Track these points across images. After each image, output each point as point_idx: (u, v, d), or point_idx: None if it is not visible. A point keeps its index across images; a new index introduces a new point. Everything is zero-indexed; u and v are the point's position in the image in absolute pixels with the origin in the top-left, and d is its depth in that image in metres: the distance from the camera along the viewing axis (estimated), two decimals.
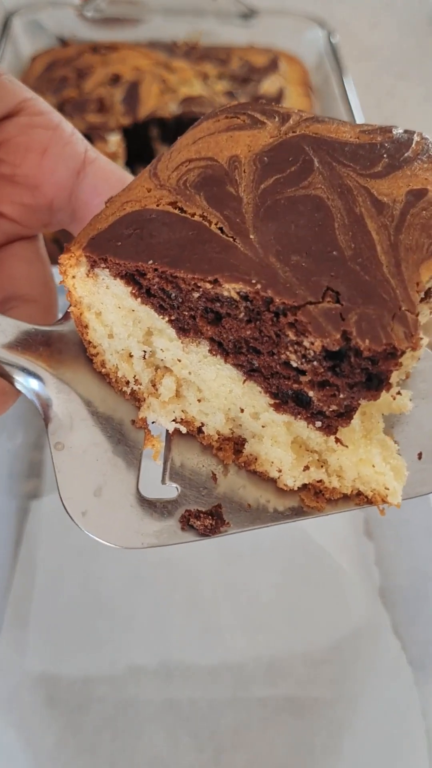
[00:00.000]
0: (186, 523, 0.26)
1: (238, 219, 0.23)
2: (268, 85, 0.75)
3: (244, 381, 0.25)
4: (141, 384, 0.28)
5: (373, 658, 0.47)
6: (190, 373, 0.26)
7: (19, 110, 0.25)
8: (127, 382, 0.28)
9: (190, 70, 0.74)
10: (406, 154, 0.25)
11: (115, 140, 0.65)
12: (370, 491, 0.26)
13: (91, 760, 0.41)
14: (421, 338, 0.26)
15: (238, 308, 0.22)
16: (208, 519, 0.25)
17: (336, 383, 0.22)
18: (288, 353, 0.22)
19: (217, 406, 0.27)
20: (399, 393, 0.27)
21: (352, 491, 0.27)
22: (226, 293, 0.22)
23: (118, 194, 0.26)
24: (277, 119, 0.27)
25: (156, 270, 0.22)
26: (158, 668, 0.45)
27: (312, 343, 0.21)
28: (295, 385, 0.23)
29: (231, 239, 0.22)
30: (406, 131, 0.27)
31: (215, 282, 0.22)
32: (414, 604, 0.47)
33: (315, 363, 0.22)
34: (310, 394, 0.23)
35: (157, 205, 0.24)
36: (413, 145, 0.26)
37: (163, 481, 0.26)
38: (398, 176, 0.25)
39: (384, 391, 0.22)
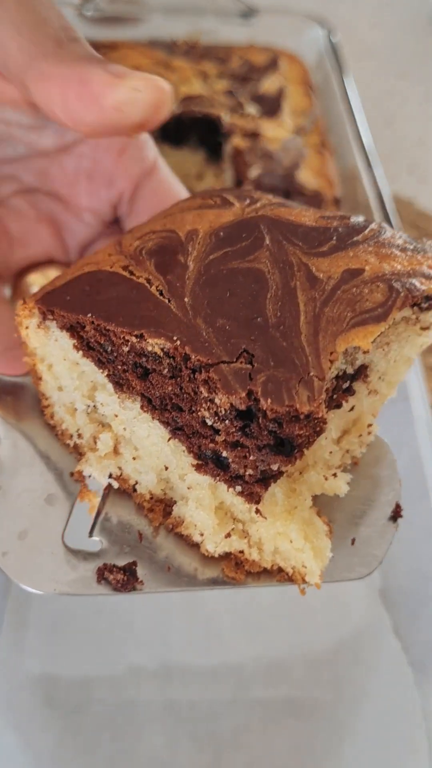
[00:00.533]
0: (101, 576, 0.27)
1: (178, 283, 0.25)
2: (269, 84, 0.75)
3: (169, 439, 0.26)
4: (83, 438, 0.29)
5: (374, 659, 0.46)
6: (125, 429, 0.27)
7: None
8: (71, 436, 0.29)
9: (190, 69, 0.74)
10: (355, 238, 0.27)
11: None
12: (290, 568, 0.27)
13: (90, 761, 0.41)
14: (370, 425, 0.28)
15: (161, 364, 0.24)
16: (120, 574, 0.27)
17: (246, 444, 0.23)
18: (203, 410, 0.24)
19: (150, 465, 0.28)
20: (335, 475, 0.27)
21: (272, 566, 0.28)
22: (150, 348, 0.24)
23: (87, 256, 0.28)
24: (247, 201, 0.29)
25: (92, 323, 0.24)
26: (158, 669, 0.45)
27: (221, 400, 0.22)
28: (212, 445, 0.24)
29: (166, 300, 0.24)
30: (365, 220, 0.28)
31: (141, 336, 0.23)
32: (414, 605, 0.47)
33: (227, 422, 0.23)
34: (224, 454, 0.24)
35: (111, 267, 0.26)
36: (365, 231, 0.27)
37: (90, 534, 0.28)
38: (340, 256, 0.26)
39: (296, 460, 0.23)
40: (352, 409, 0.28)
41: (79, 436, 0.29)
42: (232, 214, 0.28)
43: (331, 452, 0.28)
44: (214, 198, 0.29)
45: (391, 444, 0.50)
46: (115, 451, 0.28)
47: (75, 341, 0.26)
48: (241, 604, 0.44)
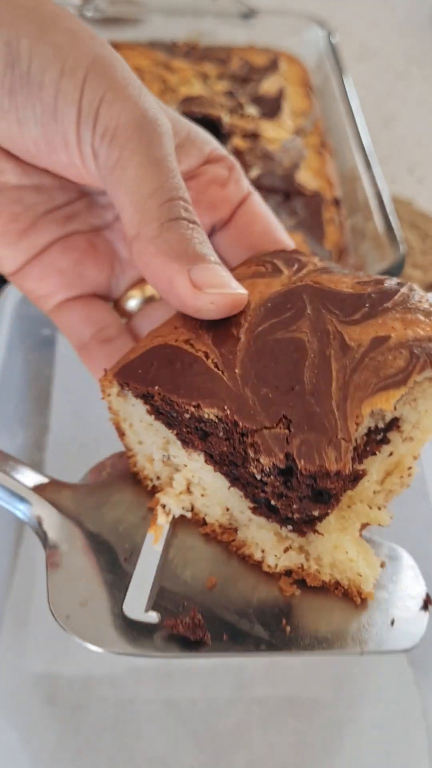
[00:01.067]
0: (165, 639, 0.29)
1: (231, 356, 0.28)
2: (269, 85, 0.75)
3: (229, 487, 0.30)
4: (161, 479, 0.34)
5: (374, 658, 0.47)
6: (193, 476, 0.32)
7: (210, 160, 0.33)
8: (150, 479, 0.34)
9: (190, 70, 0.74)
10: (386, 305, 0.30)
11: None
12: (346, 580, 0.30)
13: (91, 759, 0.41)
14: (410, 467, 0.31)
15: (217, 428, 0.28)
16: (184, 636, 0.29)
17: (289, 495, 0.27)
18: (252, 467, 0.27)
19: (216, 501, 0.32)
20: (379, 508, 0.31)
21: (330, 579, 0.31)
22: (206, 416, 0.27)
23: (156, 327, 0.32)
24: (295, 266, 0.32)
25: (159, 394, 0.28)
26: (158, 668, 0.45)
27: (264, 461, 0.26)
28: (263, 494, 0.28)
29: (220, 372, 0.28)
30: (398, 283, 0.31)
31: (198, 406, 0.27)
32: None
33: (271, 477, 0.27)
34: (272, 502, 0.28)
35: (175, 342, 0.29)
36: (396, 296, 0.30)
37: (146, 609, 0.30)
38: (370, 324, 0.29)
39: (333, 506, 0.27)
40: (391, 454, 0.31)
41: (158, 478, 0.34)
42: (280, 283, 0.31)
43: (375, 492, 0.32)
44: (266, 264, 0.32)
45: None
46: (188, 489, 0.33)
47: (147, 407, 0.31)
48: None
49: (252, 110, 0.71)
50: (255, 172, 0.65)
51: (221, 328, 0.29)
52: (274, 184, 0.65)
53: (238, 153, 0.67)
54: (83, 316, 0.34)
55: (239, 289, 0.28)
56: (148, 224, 0.27)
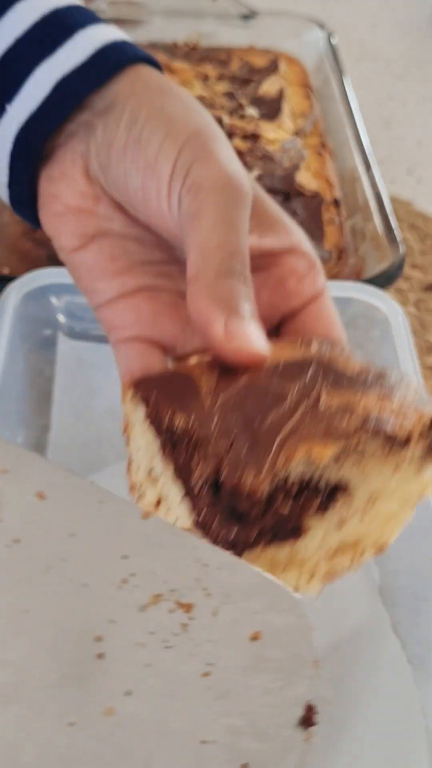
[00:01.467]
0: None
1: (222, 392, 0.31)
2: (269, 86, 0.75)
3: (181, 498, 0.31)
4: (142, 492, 0.35)
5: (373, 657, 0.47)
6: (163, 490, 0.33)
7: (292, 250, 0.36)
8: (137, 491, 0.36)
9: (191, 71, 0.74)
10: (368, 381, 0.32)
11: None
12: None
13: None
14: (363, 554, 0.32)
15: (182, 438, 0.30)
16: None
17: (214, 510, 0.29)
18: (193, 479, 0.29)
19: (177, 514, 0.33)
20: (312, 579, 0.32)
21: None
22: (176, 423, 0.30)
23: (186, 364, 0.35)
24: (324, 346, 0.35)
25: (154, 399, 0.32)
26: None
27: (198, 470, 0.29)
28: (197, 509, 0.30)
29: (205, 400, 0.31)
30: (397, 372, 0.33)
31: (172, 413, 0.30)
32: (414, 602, 0.47)
33: (204, 489, 0.29)
34: (200, 517, 0.30)
35: (191, 371, 0.33)
36: (385, 379, 0.32)
37: None
38: (349, 393, 0.31)
39: (249, 534, 0.29)
40: (342, 525, 0.32)
41: (140, 487, 0.35)
42: (301, 353, 0.34)
43: (317, 563, 0.32)
44: (302, 342, 0.36)
45: None
46: (157, 503, 0.34)
47: (145, 411, 0.33)
48: None
49: (252, 111, 0.72)
50: (255, 173, 0.65)
51: (230, 372, 0.32)
52: (274, 184, 0.65)
53: (238, 154, 0.67)
54: (141, 352, 0.37)
55: (261, 349, 0.31)
56: (207, 272, 0.30)
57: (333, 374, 0.32)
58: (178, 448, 0.30)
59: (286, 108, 0.73)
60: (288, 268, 0.36)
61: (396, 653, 0.46)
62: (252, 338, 0.31)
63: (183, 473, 0.31)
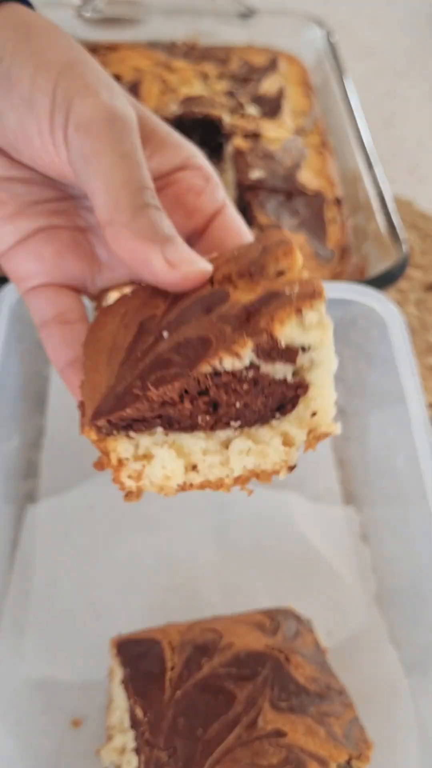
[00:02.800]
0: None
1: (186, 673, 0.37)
2: (268, 85, 0.75)
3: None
4: (113, 736, 0.41)
5: (369, 664, 0.46)
6: (128, 757, 0.38)
7: (185, 166, 0.36)
8: (109, 729, 0.42)
9: (190, 70, 0.73)
10: (309, 697, 0.37)
11: None
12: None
13: (90, 766, 0.41)
14: None
15: (138, 725, 0.36)
16: None
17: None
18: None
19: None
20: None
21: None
22: (135, 713, 0.36)
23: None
24: (289, 635, 0.40)
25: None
26: None
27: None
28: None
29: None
30: (340, 695, 0.39)
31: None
32: (411, 609, 0.46)
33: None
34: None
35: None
36: (324, 699, 0.37)
37: None
38: (286, 716, 0.35)
39: None
40: None
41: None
42: (263, 644, 0.38)
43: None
44: (274, 619, 0.40)
45: (388, 445, 0.50)
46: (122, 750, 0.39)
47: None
48: (240, 609, 0.43)
49: (252, 110, 0.71)
50: (257, 173, 0.65)
51: (197, 651, 0.37)
52: (276, 184, 0.64)
53: (239, 153, 0.66)
54: (51, 299, 0.36)
55: (206, 266, 0.31)
56: (122, 211, 0.30)
57: (283, 679, 0.36)
58: (136, 729, 0.35)
59: (287, 106, 0.73)
60: (184, 185, 0.36)
61: (391, 660, 0.45)
62: (193, 258, 0.30)
63: (136, 752, 0.35)
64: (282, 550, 0.50)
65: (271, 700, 0.35)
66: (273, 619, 0.40)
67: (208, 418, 0.29)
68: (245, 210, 0.64)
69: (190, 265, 0.30)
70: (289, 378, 0.29)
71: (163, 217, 0.31)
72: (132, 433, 0.29)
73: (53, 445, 0.55)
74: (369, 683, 0.44)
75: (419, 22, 1.08)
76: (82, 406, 0.31)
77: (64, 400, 0.55)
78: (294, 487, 0.52)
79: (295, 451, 0.31)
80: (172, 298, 0.31)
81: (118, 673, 0.39)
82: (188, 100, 0.70)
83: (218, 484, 0.31)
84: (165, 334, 0.29)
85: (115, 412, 0.28)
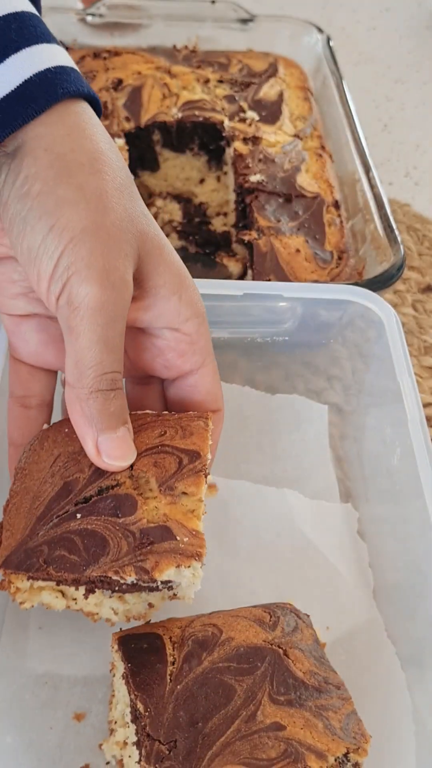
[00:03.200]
0: None
1: (187, 667, 0.38)
2: (268, 90, 0.76)
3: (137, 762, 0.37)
4: (115, 729, 0.41)
5: (367, 659, 0.47)
6: (129, 751, 0.39)
7: (178, 329, 0.39)
8: (112, 723, 0.42)
9: (191, 75, 0.74)
10: (306, 699, 0.37)
11: (119, 144, 0.66)
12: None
13: (93, 762, 0.41)
14: None
15: (140, 719, 0.36)
16: None
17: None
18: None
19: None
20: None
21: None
22: (137, 707, 0.37)
23: None
24: (289, 629, 0.41)
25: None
26: None
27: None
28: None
29: (169, 672, 0.38)
30: (342, 695, 0.38)
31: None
32: (407, 604, 0.47)
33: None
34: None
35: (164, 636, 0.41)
36: (323, 693, 0.37)
37: None
38: (285, 710, 0.36)
39: None
40: None
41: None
42: (262, 639, 0.39)
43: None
44: (273, 613, 0.41)
45: (385, 442, 0.51)
46: (124, 743, 0.40)
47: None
48: (239, 604, 0.44)
49: (252, 114, 0.72)
50: (257, 176, 0.65)
51: (197, 647, 0.38)
52: (276, 187, 0.65)
53: (239, 156, 0.67)
54: (23, 379, 0.42)
55: (126, 464, 0.37)
56: (82, 387, 0.34)
57: (282, 674, 0.37)
58: (137, 723, 0.35)
59: (286, 111, 0.74)
60: (172, 343, 0.40)
61: (389, 655, 0.46)
62: (118, 454, 0.36)
63: (137, 746, 0.36)
64: (281, 546, 0.51)
65: (270, 694, 0.36)
66: (272, 614, 0.41)
67: (90, 595, 0.38)
68: (245, 213, 0.65)
69: (113, 460, 0.36)
70: (161, 586, 0.38)
71: (115, 403, 0.35)
72: (30, 576, 0.36)
73: None
74: (367, 677, 0.45)
75: (417, 28, 1.09)
76: (1, 529, 0.37)
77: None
78: (293, 485, 0.53)
79: (159, 606, 0.41)
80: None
81: (120, 668, 0.39)
82: (189, 105, 0.71)
83: (91, 615, 0.40)
84: (78, 515, 0.36)
85: (20, 572, 0.35)
